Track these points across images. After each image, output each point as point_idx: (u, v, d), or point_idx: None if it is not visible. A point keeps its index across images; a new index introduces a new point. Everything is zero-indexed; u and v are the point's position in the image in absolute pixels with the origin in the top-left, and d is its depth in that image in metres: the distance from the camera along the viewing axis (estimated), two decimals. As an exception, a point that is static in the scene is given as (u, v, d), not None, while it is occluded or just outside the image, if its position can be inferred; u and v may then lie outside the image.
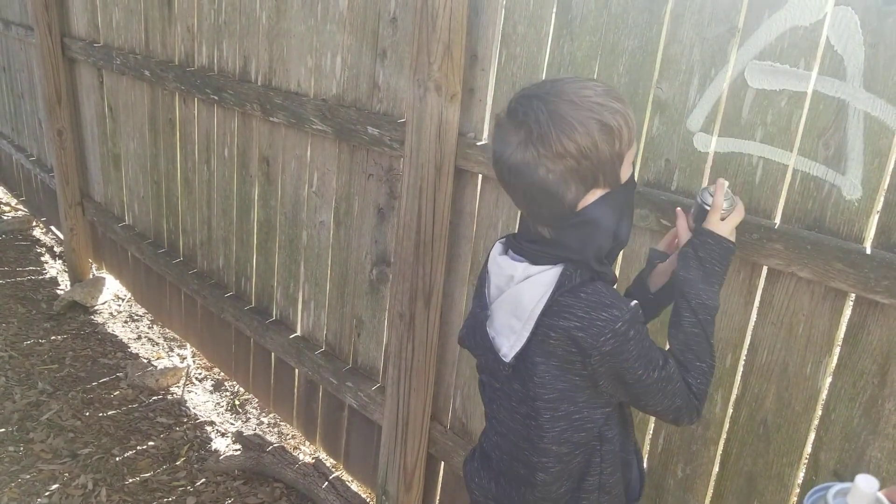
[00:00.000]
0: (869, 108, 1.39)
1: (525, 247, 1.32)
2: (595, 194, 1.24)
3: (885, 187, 1.40)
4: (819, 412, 1.59)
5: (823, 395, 1.57)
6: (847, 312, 1.51)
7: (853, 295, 1.48)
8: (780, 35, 1.49)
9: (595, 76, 1.80)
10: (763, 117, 1.54)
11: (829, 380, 1.56)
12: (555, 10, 1.86)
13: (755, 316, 1.64)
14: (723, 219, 1.39)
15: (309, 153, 2.79)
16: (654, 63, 1.69)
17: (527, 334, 1.29)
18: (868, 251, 1.42)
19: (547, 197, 1.22)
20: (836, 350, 1.54)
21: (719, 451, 1.76)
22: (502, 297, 1.34)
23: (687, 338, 1.37)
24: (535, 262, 1.30)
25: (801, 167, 1.50)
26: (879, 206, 1.43)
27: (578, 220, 1.25)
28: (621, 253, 1.82)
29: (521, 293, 1.29)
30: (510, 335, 1.32)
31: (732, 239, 1.41)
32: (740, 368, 1.69)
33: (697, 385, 1.35)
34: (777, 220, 1.56)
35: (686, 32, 1.62)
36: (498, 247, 1.39)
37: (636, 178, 1.65)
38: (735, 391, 1.71)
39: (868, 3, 1.36)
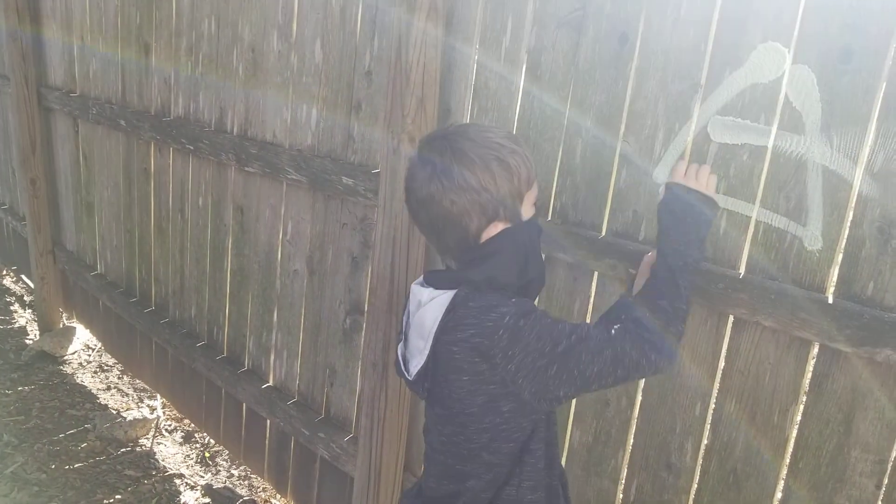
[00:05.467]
0: (827, 161, 1.44)
1: (434, 275, 1.42)
2: (497, 227, 1.34)
3: (845, 238, 1.45)
4: (787, 460, 1.60)
5: (791, 443, 1.59)
6: (812, 361, 1.54)
7: (817, 344, 1.51)
8: (740, 91, 1.54)
9: (564, 130, 1.84)
10: (726, 170, 1.58)
11: (796, 429, 1.58)
12: (525, 65, 1.91)
13: (723, 364, 1.67)
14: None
15: (283, 202, 2.81)
16: (621, 117, 1.74)
17: (427, 352, 1.36)
18: (830, 300, 1.46)
19: (452, 226, 1.34)
20: (803, 398, 1.56)
21: (690, 501, 1.76)
22: (412, 320, 1.43)
23: (655, 282, 1.40)
24: (437, 286, 1.38)
25: (764, 219, 1.55)
26: (840, 256, 1.47)
27: (482, 252, 1.35)
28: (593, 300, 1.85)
29: (425, 315, 1.38)
30: (417, 355, 1.41)
31: (710, 195, 1.46)
32: (709, 417, 1.70)
33: (650, 324, 1.32)
34: (742, 270, 1.59)
35: (651, 88, 1.68)
36: (418, 279, 1.48)
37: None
38: (705, 440, 1.72)
39: (825, 62, 1.42)
